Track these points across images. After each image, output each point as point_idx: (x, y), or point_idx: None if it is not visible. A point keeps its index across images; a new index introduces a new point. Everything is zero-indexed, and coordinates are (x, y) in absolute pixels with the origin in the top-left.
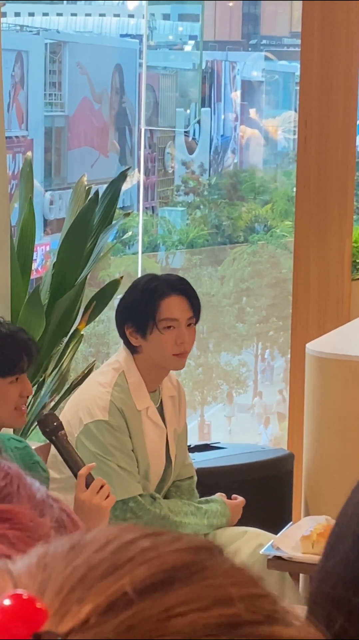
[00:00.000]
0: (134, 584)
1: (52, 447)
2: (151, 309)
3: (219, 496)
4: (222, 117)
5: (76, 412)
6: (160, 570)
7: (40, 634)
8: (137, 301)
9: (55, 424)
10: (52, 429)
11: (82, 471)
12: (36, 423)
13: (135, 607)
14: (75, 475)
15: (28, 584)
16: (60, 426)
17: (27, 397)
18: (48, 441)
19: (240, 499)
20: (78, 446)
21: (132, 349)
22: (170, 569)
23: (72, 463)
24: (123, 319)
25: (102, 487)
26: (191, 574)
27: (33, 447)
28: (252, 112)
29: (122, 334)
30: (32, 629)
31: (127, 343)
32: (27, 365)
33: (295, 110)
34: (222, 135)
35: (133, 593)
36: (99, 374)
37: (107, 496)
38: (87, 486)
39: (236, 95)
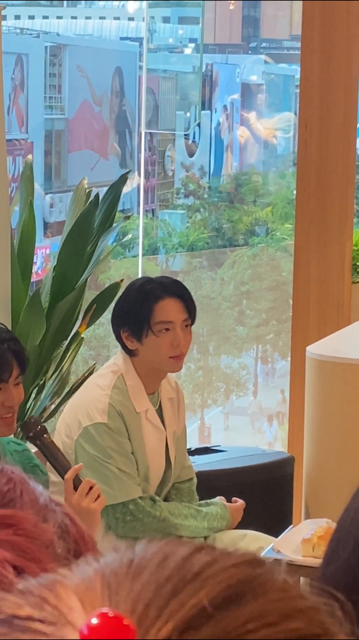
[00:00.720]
0: (211, 598)
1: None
2: (146, 312)
3: (219, 499)
4: (222, 120)
5: (75, 415)
6: (229, 584)
7: None
8: (132, 305)
9: (38, 428)
10: (36, 433)
11: (68, 475)
12: (24, 434)
13: (214, 621)
14: (62, 478)
15: (95, 601)
16: (44, 430)
17: (12, 406)
18: (45, 459)
19: (240, 502)
20: (77, 449)
21: (129, 353)
22: (236, 584)
23: (59, 466)
24: (118, 324)
25: (90, 488)
26: (254, 587)
27: (33, 451)
28: (252, 115)
29: (119, 338)
30: None
31: (124, 347)
32: (10, 376)
33: (295, 113)
34: (222, 138)
35: (212, 607)
36: (98, 376)
37: (97, 497)
38: (76, 489)
39: (236, 98)
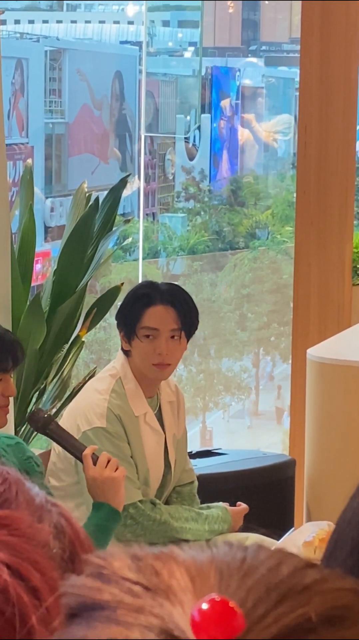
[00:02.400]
0: (318, 612)
1: (51, 454)
2: (134, 315)
3: (222, 505)
4: (222, 123)
5: (74, 419)
6: (334, 605)
7: None
8: (126, 306)
9: (44, 417)
10: (43, 423)
11: (87, 451)
12: (32, 426)
13: (316, 635)
14: (79, 459)
15: (205, 586)
16: (50, 418)
17: (9, 397)
18: (48, 448)
19: (243, 506)
20: None
21: (126, 353)
22: (341, 607)
23: (73, 448)
24: (117, 323)
25: (109, 461)
26: (357, 615)
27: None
28: (251, 118)
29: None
30: (230, 635)
31: (122, 346)
32: (10, 367)
33: (294, 116)
34: (222, 141)
35: (317, 621)
36: (96, 380)
37: (117, 469)
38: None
39: (236, 101)
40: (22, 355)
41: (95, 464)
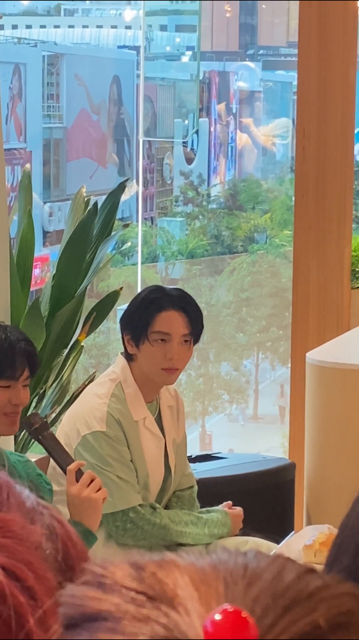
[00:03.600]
0: (326, 618)
1: (51, 459)
2: (146, 319)
3: (224, 506)
4: (220, 127)
5: (74, 423)
6: (339, 611)
7: None
8: (136, 310)
9: (40, 422)
10: (37, 428)
11: (72, 466)
12: (26, 429)
13: None
14: (65, 472)
15: (211, 595)
16: (46, 425)
17: (17, 405)
18: (47, 454)
19: (238, 509)
20: (76, 458)
21: (129, 357)
22: (346, 612)
23: (61, 460)
24: (123, 326)
25: (92, 481)
26: None
27: (33, 460)
28: (249, 122)
29: (123, 340)
30: None
31: (126, 350)
32: (21, 375)
33: (292, 119)
34: (220, 146)
35: (327, 627)
36: (96, 385)
37: (99, 489)
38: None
39: (234, 105)
40: (34, 366)
41: (78, 481)
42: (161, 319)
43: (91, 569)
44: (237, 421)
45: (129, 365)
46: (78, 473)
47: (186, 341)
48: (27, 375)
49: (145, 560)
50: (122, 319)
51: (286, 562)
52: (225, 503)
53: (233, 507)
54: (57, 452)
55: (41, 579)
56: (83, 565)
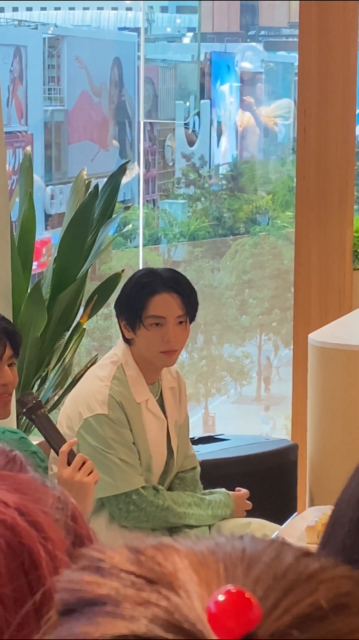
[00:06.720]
0: (327, 600)
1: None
2: (139, 304)
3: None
4: (221, 108)
5: (76, 406)
6: (339, 593)
7: (256, 633)
8: (128, 295)
9: (34, 402)
10: (30, 408)
11: (64, 448)
12: (20, 408)
13: (327, 623)
14: (57, 452)
15: (210, 577)
16: (40, 404)
17: (6, 385)
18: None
19: (243, 491)
20: (78, 441)
21: (127, 342)
22: (345, 594)
23: (53, 441)
24: (118, 311)
25: (84, 463)
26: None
27: (35, 443)
28: (251, 103)
29: (119, 325)
30: (247, 627)
31: (123, 335)
32: (3, 352)
33: (294, 100)
34: (221, 127)
35: (328, 608)
36: (98, 367)
37: (90, 472)
38: (69, 464)
39: (235, 86)
40: (17, 344)
41: (70, 464)
42: (154, 303)
43: (88, 554)
44: (240, 403)
45: (129, 349)
46: (70, 456)
47: (181, 322)
48: (10, 354)
49: (143, 544)
50: (116, 305)
51: (283, 545)
52: (236, 489)
53: (237, 489)
54: (49, 432)
55: (54, 531)
56: (87, 545)
